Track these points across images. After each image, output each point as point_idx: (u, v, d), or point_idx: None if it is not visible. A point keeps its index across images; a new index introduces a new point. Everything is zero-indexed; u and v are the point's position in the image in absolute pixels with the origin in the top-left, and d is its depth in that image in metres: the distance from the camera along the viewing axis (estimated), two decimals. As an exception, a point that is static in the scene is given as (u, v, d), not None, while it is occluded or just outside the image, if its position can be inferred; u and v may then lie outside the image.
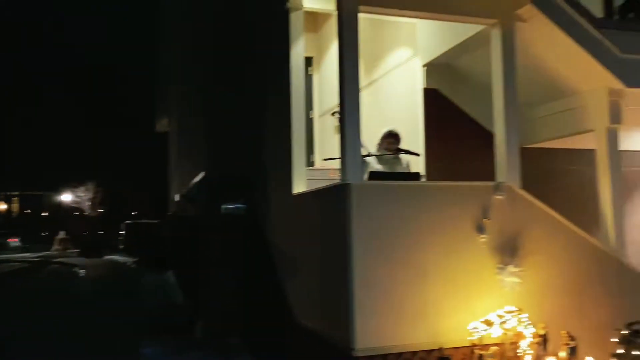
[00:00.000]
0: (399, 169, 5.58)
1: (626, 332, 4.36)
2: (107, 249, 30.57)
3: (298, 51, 5.99)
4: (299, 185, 5.88)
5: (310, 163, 9.23)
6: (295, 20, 5.93)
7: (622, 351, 4.34)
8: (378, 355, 4.32)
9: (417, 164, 6.46)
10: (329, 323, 4.92)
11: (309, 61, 9.58)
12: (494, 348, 4.30)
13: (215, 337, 7.83)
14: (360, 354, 4.25)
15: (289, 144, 5.96)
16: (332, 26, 7.70)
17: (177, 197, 14.88)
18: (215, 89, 10.01)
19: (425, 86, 6.72)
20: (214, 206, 8.11)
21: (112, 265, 22.94)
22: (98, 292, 14.84)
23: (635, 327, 4.36)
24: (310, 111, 9.63)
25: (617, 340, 4.40)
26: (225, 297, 7.77)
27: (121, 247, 30.07)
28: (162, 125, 20.60)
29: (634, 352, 4.32)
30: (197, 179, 9.92)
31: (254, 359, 7.08)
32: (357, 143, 4.69)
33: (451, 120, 6.85)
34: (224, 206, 7.94)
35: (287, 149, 6.01)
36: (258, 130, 7.97)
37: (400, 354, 4.39)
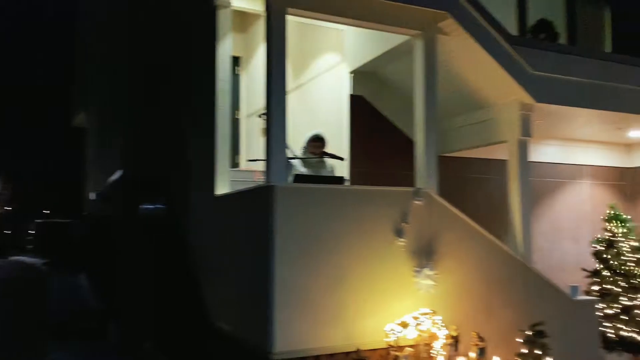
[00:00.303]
0: (324, 173, 5.62)
1: (530, 333, 4.63)
2: (14, 249, 28.60)
3: (225, 50, 5.90)
4: (222, 187, 5.77)
5: (235, 164, 9.10)
6: (223, 19, 5.83)
7: (526, 351, 4.60)
8: (295, 358, 4.31)
9: (342, 168, 6.55)
10: (247, 326, 4.86)
11: (236, 61, 9.46)
12: (409, 349, 4.42)
13: (129, 342, 7.51)
14: (277, 358, 4.22)
15: (212, 145, 5.85)
16: (261, 27, 7.67)
17: (92, 196, 14.17)
18: (136, 85, 9.64)
19: (352, 92, 6.83)
20: (131, 206, 7.80)
21: (19, 267, 21.47)
22: (2, 294, 13.83)
23: (538, 328, 4.64)
24: (237, 112, 9.51)
25: (521, 340, 4.66)
26: (141, 300, 7.48)
27: (30, 247, 28.23)
28: (79, 120, 19.59)
29: (536, 352, 4.60)
30: (114, 177, 9.50)
31: (170, 364, 6.85)
32: (283, 145, 4.69)
33: (375, 127, 7.02)
34: (142, 206, 7.64)
35: (210, 150, 5.89)
36: (181, 129, 7.76)
37: (317, 357, 4.40)
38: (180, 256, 7.14)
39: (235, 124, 9.30)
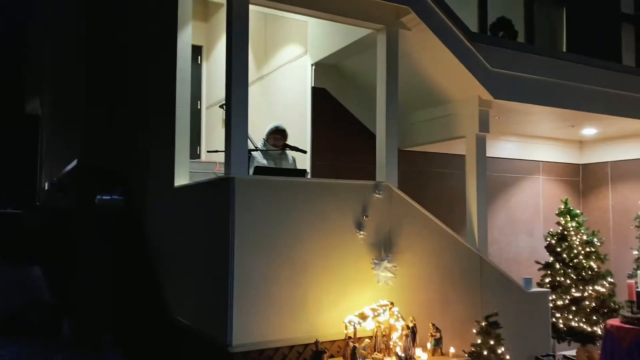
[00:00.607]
0: (285, 165, 5.60)
1: (484, 324, 4.74)
2: (-38, 241, 27.39)
3: (185, 39, 5.79)
4: (182, 178, 5.68)
5: (196, 155, 8.97)
6: (184, 6, 5.72)
7: (480, 341, 4.72)
8: (254, 350, 4.29)
9: (304, 161, 6.54)
10: (205, 319, 4.81)
11: (198, 50, 9.31)
12: (367, 340, 4.47)
13: (84, 336, 7.33)
14: (236, 350, 4.20)
15: (172, 135, 5.74)
16: (223, 16, 7.54)
17: (46, 186, 13.73)
18: (93, 71, 9.36)
19: (314, 85, 6.82)
20: (87, 197, 7.59)
21: (-33, 259, 20.61)
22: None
23: (492, 319, 4.77)
24: (198, 102, 9.37)
25: (476, 331, 4.78)
26: (97, 293, 7.30)
27: (-21, 238, 27.11)
28: (33, 107, 18.91)
29: (490, 342, 4.72)
30: (70, 167, 9.23)
31: (127, 358, 6.72)
32: (244, 137, 4.63)
33: (337, 120, 7.03)
34: (98, 197, 7.45)
35: (170, 140, 5.78)
36: (139, 118, 7.59)
37: (277, 349, 4.40)
38: (137, 248, 7.00)
39: (196, 114, 9.16)
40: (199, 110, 9.39)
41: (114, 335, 7.26)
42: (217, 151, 5.55)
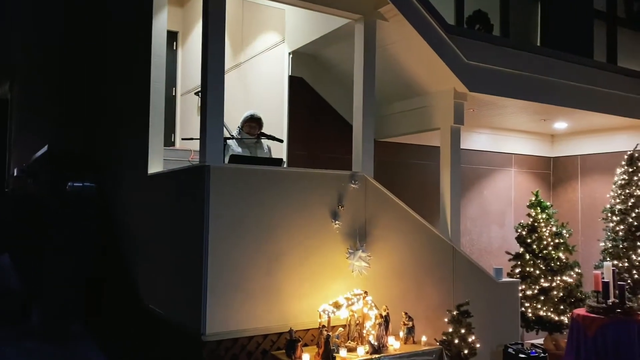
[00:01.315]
0: (261, 154, 5.58)
1: (455, 313, 4.84)
2: None
3: (161, 24, 5.70)
4: (155, 165, 5.61)
5: (170, 143, 8.87)
6: (159, -9, 5.62)
7: (451, 330, 4.81)
8: (228, 339, 4.29)
9: (280, 151, 6.52)
10: (179, 307, 4.79)
11: (174, 36, 9.17)
12: (341, 329, 4.51)
13: (54, 324, 7.22)
14: (209, 339, 4.19)
15: (146, 122, 5.66)
16: (199, 1, 7.44)
17: (16, 172, 13.40)
18: (66, 56, 9.15)
19: (291, 74, 6.79)
20: (58, 183, 7.44)
21: None
22: None
23: (464, 308, 4.86)
24: (174, 89, 9.24)
25: (448, 320, 4.87)
26: (67, 281, 7.19)
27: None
28: (2, 91, 18.40)
29: (461, 330, 4.82)
30: (40, 153, 9.02)
31: (98, 346, 6.66)
32: (219, 125, 4.59)
33: (314, 110, 7.02)
34: (70, 184, 7.31)
35: (144, 127, 5.70)
36: (113, 104, 7.46)
37: (251, 338, 4.41)
38: (110, 236, 6.91)
39: (170, 101, 9.04)
40: (174, 97, 9.26)
41: (85, 324, 7.18)
42: (192, 139, 5.49)
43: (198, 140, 4.64)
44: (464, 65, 5.99)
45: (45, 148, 8.68)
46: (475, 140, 8.46)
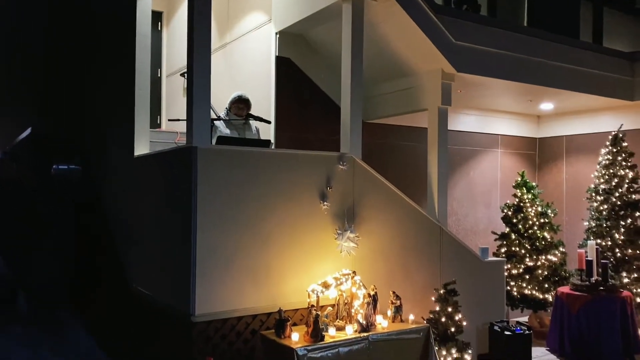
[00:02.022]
0: (249, 136, 5.55)
1: (442, 291, 4.89)
2: None
3: (145, 4, 5.60)
4: (142, 147, 5.56)
5: (156, 125, 8.79)
6: (143, -31, 5.52)
7: (438, 308, 4.87)
8: (218, 320, 4.31)
9: (268, 132, 6.49)
10: (168, 289, 4.79)
11: (158, 16, 9.03)
12: (330, 308, 4.55)
13: (41, 310, 7.18)
14: (199, 320, 4.21)
15: (131, 103, 5.59)
16: (184, -19, 7.32)
17: (-1, 155, 13.19)
18: (50, 37, 8.97)
19: (278, 54, 6.73)
20: (42, 166, 7.35)
21: None
22: None
23: (450, 287, 4.92)
24: (159, 70, 9.13)
25: (435, 298, 4.93)
26: (54, 265, 7.14)
27: None
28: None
29: (448, 309, 4.88)
30: (23, 135, 8.88)
31: (86, 330, 6.64)
32: (206, 106, 4.55)
33: (302, 91, 6.98)
34: (54, 167, 7.22)
35: (129, 108, 5.63)
36: (97, 85, 7.35)
37: (240, 318, 4.43)
38: (96, 219, 6.86)
39: (156, 83, 8.94)
40: (159, 79, 9.16)
41: (73, 309, 7.15)
42: (178, 120, 5.44)
43: (184, 122, 4.60)
44: (451, 45, 5.98)
45: (28, 131, 8.55)
46: (462, 122, 8.49)
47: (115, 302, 6.13)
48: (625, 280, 6.95)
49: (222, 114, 5.59)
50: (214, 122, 5.31)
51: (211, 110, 5.03)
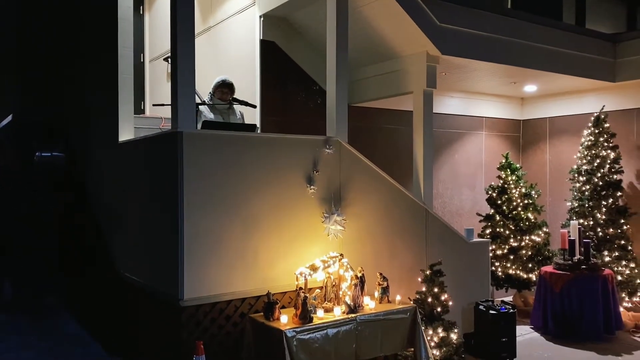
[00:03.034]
0: (233, 120, 5.53)
1: (428, 272, 4.96)
2: None
3: (126, -14, 5.51)
4: (126, 133, 5.52)
5: (140, 111, 8.70)
6: (124, -49, 5.42)
7: (425, 289, 4.94)
8: (207, 304, 4.33)
9: (253, 116, 6.47)
10: (156, 274, 4.79)
11: (140, 0, 8.89)
12: (318, 291, 4.59)
13: (27, 298, 7.15)
14: (187, 304, 4.23)
15: (114, 89, 5.53)
16: (165, -36, 7.20)
17: (-21, 143, 12.99)
18: (29, 21, 8.80)
19: (263, 38, 6.68)
20: (25, 153, 7.26)
21: None
22: None
23: (436, 268, 4.99)
24: (142, 55, 9.01)
25: (421, 279, 4.99)
26: (39, 252, 7.10)
27: None
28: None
29: (434, 289, 4.95)
30: (5, 122, 8.75)
31: (73, 318, 6.64)
32: (190, 90, 4.51)
33: (287, 75, 6.95)
34: (37, 154, 7.14)
35: (112, 94, 5.57)
36: (80, 71, 7.24)
37: (229, 302, 4.46)
38: (81, 206, 6.81)
39: (139, 68, 8.83)
40: (142, 64, 9.05)
41: (59, 297, 7.12)
42: (162, 104, 5.40)
43: (169, 108, 4.57)
44: (436, 27, 5.99)
45: (9, 117, 8.42)
46: (447, 104, 8.53)
47: (102, 289, 6.12)
48: (607, 258, 7.10)
49: (206, 98, 5.56)
50: (198, 106, 5.28)
51: (195, 95, 4.99)
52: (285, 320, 4.16)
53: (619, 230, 7.22)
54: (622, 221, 7.23)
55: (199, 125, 4.96)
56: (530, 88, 8.34)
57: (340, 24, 5.41)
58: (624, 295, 7.07)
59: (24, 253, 7.34)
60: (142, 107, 8.89)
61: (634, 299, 7.09)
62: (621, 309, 6.70)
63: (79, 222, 6.90)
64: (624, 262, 7.12)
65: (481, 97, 8.85)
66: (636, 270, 7.10)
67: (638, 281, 7.08)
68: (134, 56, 5.89)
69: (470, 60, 6.46)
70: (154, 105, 6.43)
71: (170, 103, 4.53)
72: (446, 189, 8.60)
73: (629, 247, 7.21)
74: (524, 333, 6.53)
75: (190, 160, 4.28)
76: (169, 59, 4.64)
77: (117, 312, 5.71)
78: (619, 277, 7.05)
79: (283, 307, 4.60)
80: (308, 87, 7.09)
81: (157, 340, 4.77)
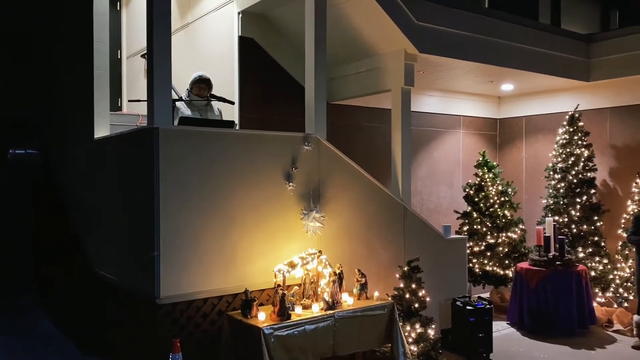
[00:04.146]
0: (211, 116, 5.48)
1: (406, 268, 4.99)
2: None
3: (102, -19, 5.44)
4: (102, 130, 5.44)
5: (117, 108, 8.59)
6: (99, -55, 5.34)
7: (402, 285, 4.97)
8: (183, 301, 4.30)
9: (232, 113, 6.43)
10: (132, 273, 4.73)
11: (116, -4, 8.78)
12: (296, 288, 4.59)
13: (1, 297, 7.01)
14: (164, 302, 4.18)
15: (90, 84, 5.45)
16: (142, -41, 7.11)
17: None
18: (5, 13, 8.61)
19: (241, 34, 6.65)
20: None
21: None
22: None
23: (414, 264, 5.02)
24: (118, 51, 8.89)
25: (399, 276, 5.02)
26: (13, 251, 6.96)
27: None
28: None
29: (412, 285, 4.99)
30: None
31: (49, 317, 6.52)
32: (167, 86, 4.46)
33: (266, 72, 6.93)
34: (11, 151, 6.99)
35: (88, 90, 5.49)
36: (56, 67, 7.12)
37: (206, 300, 4.43)
38: (56, 204, 6.70)
39: (116, 64, 8.72)
40: (120, 60, 8.93)
41: (34, 295, 6.99)
42: (139, 100, 5.32)
43: (145, 104, 4.50)
44: (414, 26, 6.02)
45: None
46: (425, 103, 8.59)
47: (78, 288, 6.03)
48: (581, 255, 7.23)
49: (183, 94, 5.50)
50: (175, 103, 5.22)
51: (172, 91, 4.94)
52: (263, 317, 4.15)
53: (593, 227, 7.36)
54: (596, 218, 7.38)
55: (176, 122, 4.91)
56: (507, 87, 8.44)
57: (318, 21, 5.40)
58: (597, 290, 7.21)
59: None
60: (120, 105, 8.77)
61: (607, 294, 7.23)
62: (594, 304, 6.83)
63: (55, 220, 6.78)
64: (597, 258, 7.27)
65: (459, 96, 8.93)
66: (609, 266, 7.25)
67: (611, 277, 7.23)
68: (111, 53, 5.82)
69: (448, 59, 6.52)
70: (129, 101, 6.36)
71: (146, 99, 4.47)
72: (424, 186, 8.66)
73: (602, 244, 7.35)
74: (501, 329, 6.62)
75: (166, 156, 4.24)
76: (146, 56, 4.58)
77: (93, 311, 5.63)
78: (593, 273, 7.19)
79: (261, 304, 4.58)
80: (287, 84, 7.07)
81: (133, 338, 4.71)
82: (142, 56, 7.61)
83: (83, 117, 5.68)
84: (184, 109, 5.30)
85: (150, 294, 4.22)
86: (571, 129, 7.61)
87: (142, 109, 5.50)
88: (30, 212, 7.17)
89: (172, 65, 4.46)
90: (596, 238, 7.34)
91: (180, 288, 4.29)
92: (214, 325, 4.47)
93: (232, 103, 5.68)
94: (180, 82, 5.85)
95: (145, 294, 4.33)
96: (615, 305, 7.06)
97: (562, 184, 7.53)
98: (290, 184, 4.95)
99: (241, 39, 6.62)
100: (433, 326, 5.01)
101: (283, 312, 4.13)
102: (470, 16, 6.60)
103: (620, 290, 7.11)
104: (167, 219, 4.23)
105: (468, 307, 5.57)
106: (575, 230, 7.36)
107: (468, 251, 6.48)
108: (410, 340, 4.84)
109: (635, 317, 6.10)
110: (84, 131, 5.65)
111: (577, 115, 7.64)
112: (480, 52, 6.67)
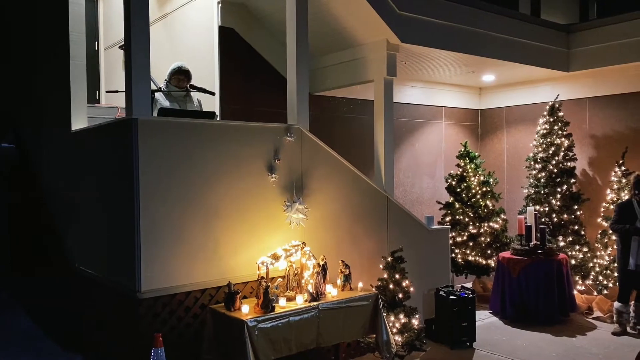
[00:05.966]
0: (190, 107, 5.38)
1: (390, 259, 4.99)
2: None
3: (77, -31, 5.30)
4: (79, 122, 5.33)
5: (95, 100, 8.42)
6: None
7: (386, 275, 4.97)
8: (165, 295, 4.23)
9: (213, 105, 6.34)
10: (112, 267, 4.65)
11: (93, -14, 8.59)
12: (280, 280, 4.55)
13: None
14: (145, 296, 4.11)
15: (66, 76, 5.32)
16: (119, -53, 6.96)
17: None
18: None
19: (221, 24, 6.55)
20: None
21: None
22: None
23: (397, 255, 5.02)
24: (96, 43, 8.72)
25: (382, 266, 5.02)
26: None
27: None
28: None
29: (395, 276, 4.99)
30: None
31: (28, 314, 6.40)
32: (146, 77, 4.36)
33: (247, 63, 6.85)
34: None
35: (65, 82, 5.36)
36: (31, 59, 6.95)
37: (189, 293, 4.37)
38: (34, 199, 6.56)
39: (93, 56, 8.55)
40: (97, 52, 8.75)
41: (12, 291, 6.85)
42: (117, 91, 5.21)
43: (124, 96, 4.40)
44: (396, 15, 5.99)
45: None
46: (407, 94, 8.59)
47: (57, 283, 5.92)
48: (562, 243, 7.32)
49: (161, 85, 5.40)
50: (154, 94, 5.12)
51: (151, 82, 4.85)
52: (246, 310, 4.11)
53: (573, 216, 7.45)
54: (576, 207, 7.47)
55: (155, 113, 4.82)
56: (488, 77, 8.48)
57: (300, 11, 5.33)
58: (577, 278, 7.31)
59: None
60: (98, 97, 8.61)
61: (587, 282, 7.34)
62: (575, 292, 6.92)
63: (33, 215, 6.64)
64: (577, 247, 7.36)
65: (441, 87, 8.95)
66: (589, 255, 7.35)
67: (591, 265, 7.33)
68: (88, 45, 5.68)
69: (430, 49, 6.51)
70: (107, 92, 6.23)
71: (124, 90, 4.38)
72: (407, 177, 8.68)
73: (582, 232, 7.45)
74: (484, 318, 6.67)
75: (146, 148, 4.15)
76: (124, 47, 4.47)
77: (73, 306, 5.53)
78: (573, 261, 7.29)
79: (245, 297, 4.54)
80: (268, 74, 7.01)
81: (114, 333, 4.64)
82: (120, 47, 7.47)
83: (60, 108, 5.55)
84: (163, 100, 5.21)
85: (131, 288, 4.15)
86: (551, 119, 7.68)
87: (121, 101, 5.39)
88: (7, 206, 7.02)
89: (150, 56, 4.37)
90: (576, 227, 7.44)
91: (162, 282, 4.22)
92: (196, 318, 4.41)
93: (213, 94, 5.59)
94: (160, 73, 5.75)
95: (126, 288, 4.26)
96: (595, 293, 7.17)
97: (543, 174, 7.60)
98: (273, 175, 4.90)
99: (221, 29, 6.52)
100: (417, 316, 5.03)
101: (267, 305, 4.10)
102: (452, 6, 6.60)
103: (600, 277, 7.22)
104: (147, 211, 4.15)
105: (451, 297, 5.60)
106: (555, 220, 7.44)
107: (451, 241, 6.51)
108: (394, 330, 4.84)
109: (615, 304, 6.19)
110: (61, 123, 5.53)
111: (557, 105, 7.71)
112: (462, 42, 6.67)
